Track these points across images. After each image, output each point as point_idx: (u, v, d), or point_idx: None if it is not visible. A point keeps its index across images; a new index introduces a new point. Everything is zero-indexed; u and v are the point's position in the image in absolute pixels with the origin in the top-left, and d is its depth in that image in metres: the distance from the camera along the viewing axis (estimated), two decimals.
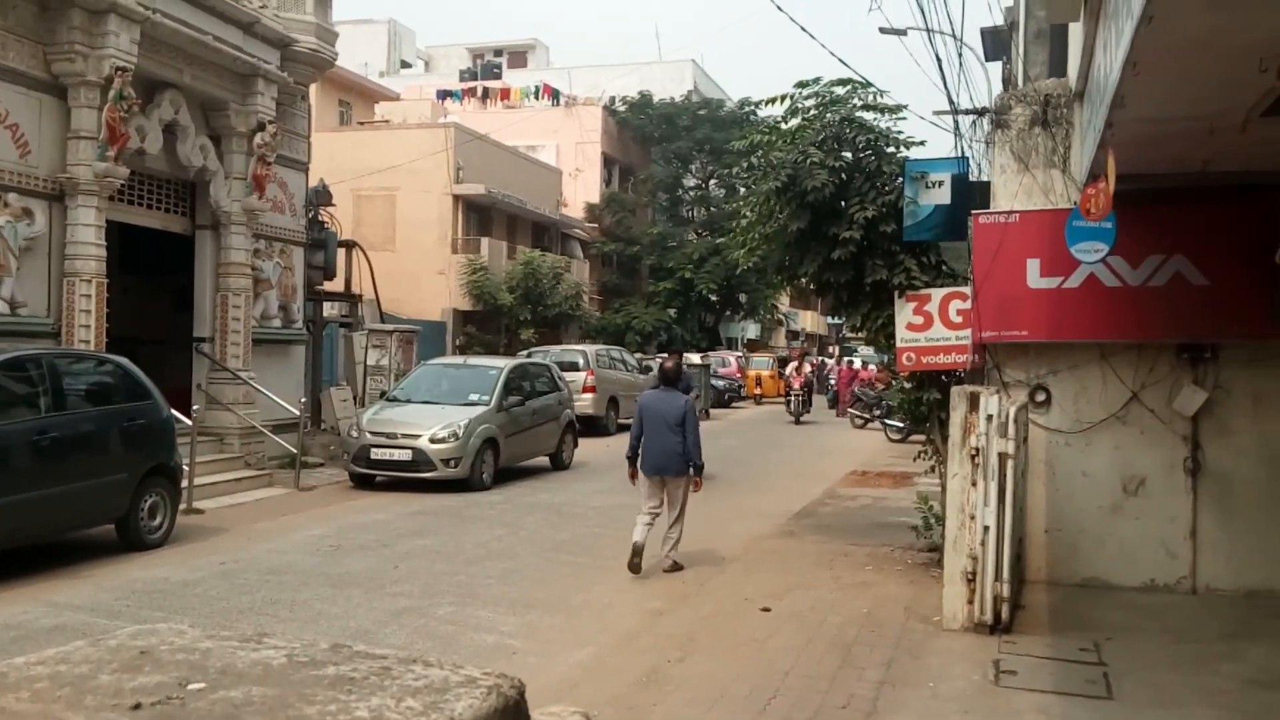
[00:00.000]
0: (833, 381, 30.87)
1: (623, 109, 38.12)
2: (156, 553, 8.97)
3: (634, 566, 8.27)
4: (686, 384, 10.46)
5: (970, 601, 6.57)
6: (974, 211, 8.23)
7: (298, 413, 13.64)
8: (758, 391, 32.27)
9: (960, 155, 8.75)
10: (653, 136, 38.38)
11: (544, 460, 15.21)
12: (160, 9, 12.01)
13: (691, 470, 8.52)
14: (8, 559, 8.01)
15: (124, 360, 9.65)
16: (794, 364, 27.67)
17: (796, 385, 25.47)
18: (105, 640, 1.59)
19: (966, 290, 8.35)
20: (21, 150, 10.95)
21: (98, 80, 11.31)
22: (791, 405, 25.57)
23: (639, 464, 8.65)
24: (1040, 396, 8.14)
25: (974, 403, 6.63)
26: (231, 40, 13.44)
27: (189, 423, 11.34)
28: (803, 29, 11.39)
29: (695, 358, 28.77)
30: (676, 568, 8.53)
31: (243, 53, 13.56)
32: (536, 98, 38.19)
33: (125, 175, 11.93)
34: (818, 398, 29.92)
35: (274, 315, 15.18)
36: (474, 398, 13.77)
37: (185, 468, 10.16)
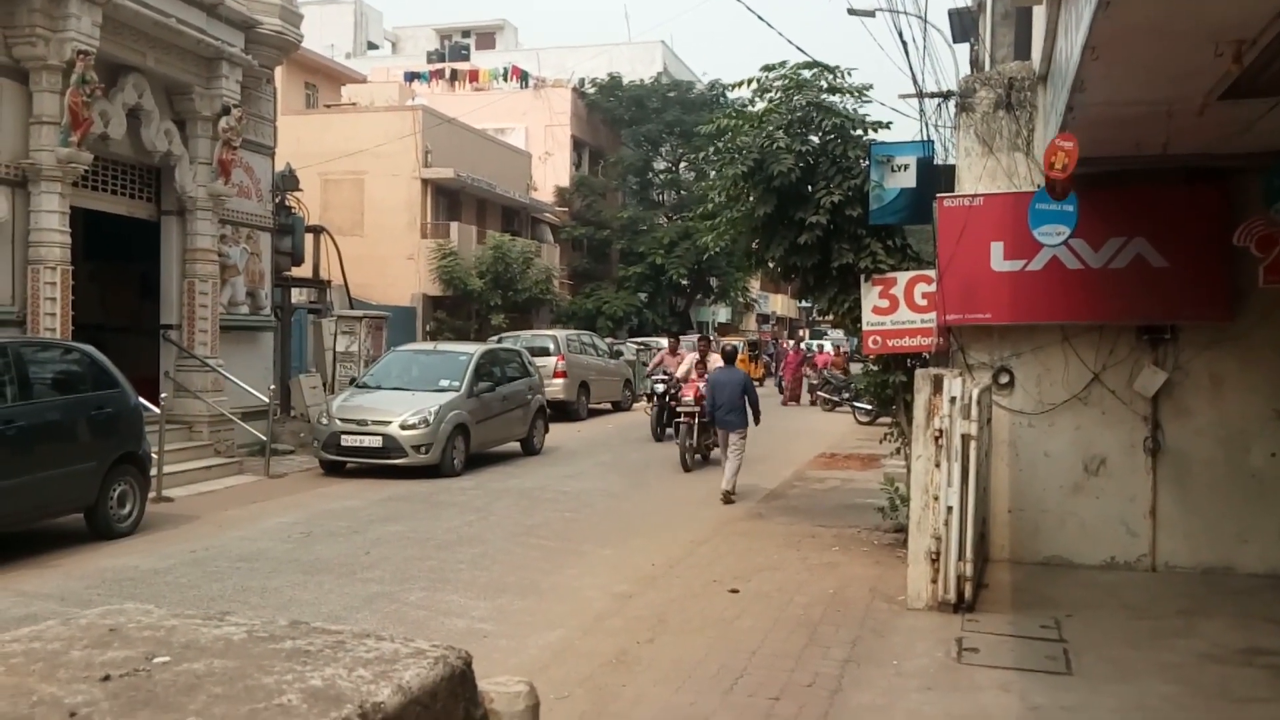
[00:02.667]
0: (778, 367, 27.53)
1: (592, 91, 37.96)
2: (126, 541, 8.92)
3: (727, 498, 11.11)
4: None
5: (934, 581, 6.68)
6: (939, 195, 8.32)
7: (267, 400, 13.55)
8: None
9: (925, 139, 8.84)
10: (622, 119, 38.26)
11: (515, 446, 15.23)
12: None
13: (752, 422, 11.69)
14: None
15: (90, 348, 9.56)
16: (689, 359, 15.24)
17: (690, 396, 13.72)
18: (76, 619, 1.67)
19: (931, 273, 8.44)
20: None
21: (59, 64, 11.15)
22: (681, 437, 13.71)
23: (712, 423, 12.20)
24: (1004, 378, 8.26)
25: (938, 385, 6.73)
26: (195, 23, 13.28)
27: (157, 411, 11.26)
28: (759, 17, 11.36)
29: (664, 342, 28.84)
30: (730, 499, 11.11)
31: (206, 35, 13.40)
32: (505, 80, 37.95)
33: (89, 161, 11.78)
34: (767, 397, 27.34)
35: (241, 302, 15.05)
36: (444, 384, 13.74)
37: (154, 456, 10.10)
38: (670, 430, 15.85)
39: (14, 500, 8.10)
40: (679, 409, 13.92)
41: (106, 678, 1.39)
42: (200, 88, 13.50)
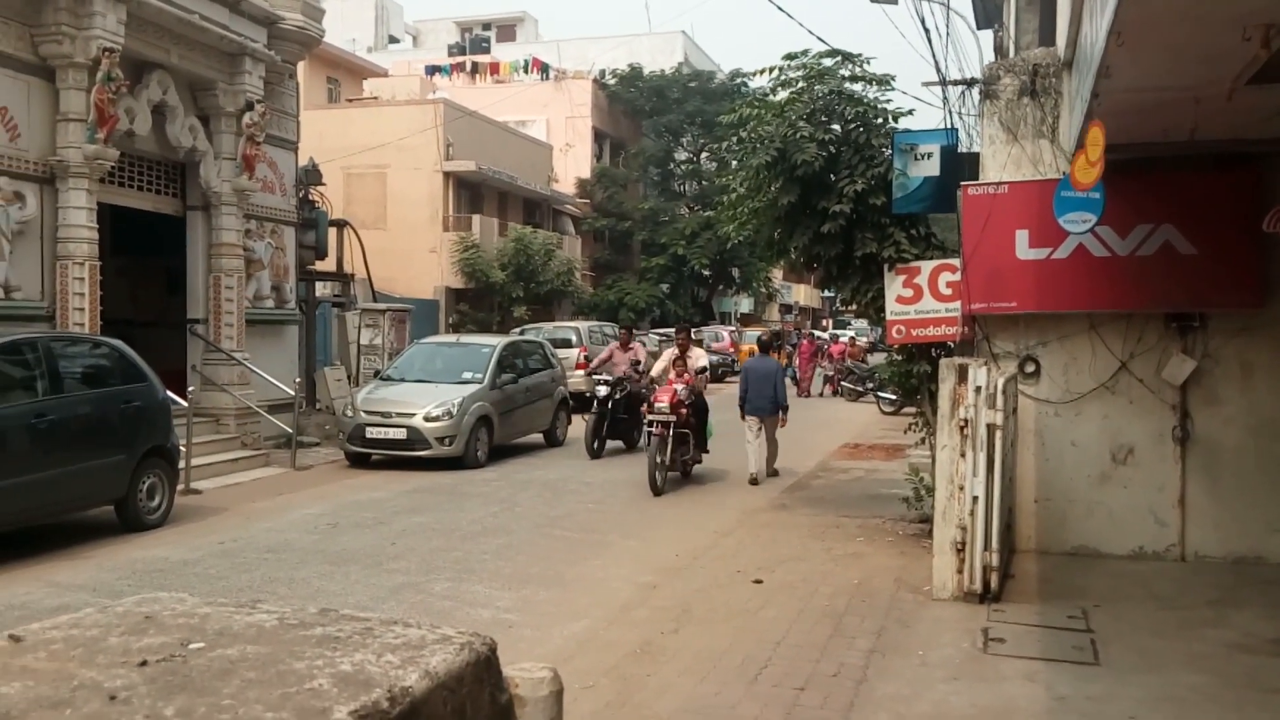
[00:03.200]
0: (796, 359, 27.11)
1: (613, 82, 37.92)
2: (155, 533, 9.03)
3: (753, 481, 11.75)
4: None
5: (960, 571, 6.65)
6: (963, 183, 8.26)
7: (292, 393, 13.66)
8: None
9: (949, 127, 8.77)
10: (643, 110, 38.21)
11: (538, 438, 15.28)
12: None
13: (781, 412, 12.07)
14: (10, 541, 8.07)
15: (119, 343, 9.67)
16: (666, 355, 12.68)
17: (665, 401, 11.19)
18: (113, 607, 1.72)
19: (956, 262, 8.39)
20: (11, 134, 10.91)
21: (85, 62, 11.26)
22: (652, 451, 11.10)
23: (744, 409, 12.09)
24: (1030, 367, 8.20)
25: (962, 374, 6.69)
26: (218, 19, 13.36)
27: (185, 404, 11.38)
28: (779, 8, 11.30)
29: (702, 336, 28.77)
30: (775, 474, 12.22)
31: (229, 31, 13.48)
32: (526, 72, 37.96)
33: (115, 157, 11.90)
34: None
35: (267, 295, 15.17)
36: (467, 376, 13.80)
37: (182, 449, 10.21)
38: (616, 443, 14.22)
39: (46, 493, 8.22)
40: (652, 416, 11.25)
41: (144, 663, 1.43)
42: (224, 84, 13.59)
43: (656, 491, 10.87)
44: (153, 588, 7.10)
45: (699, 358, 12.34)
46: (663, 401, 11.31)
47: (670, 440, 11.18)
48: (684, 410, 11.32)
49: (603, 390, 13.86)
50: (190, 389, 12.27)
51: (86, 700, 1.31)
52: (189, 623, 1.62)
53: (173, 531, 9.14)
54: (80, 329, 11.17)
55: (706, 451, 12.21)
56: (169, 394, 10.03)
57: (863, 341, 32.63)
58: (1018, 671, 5.41)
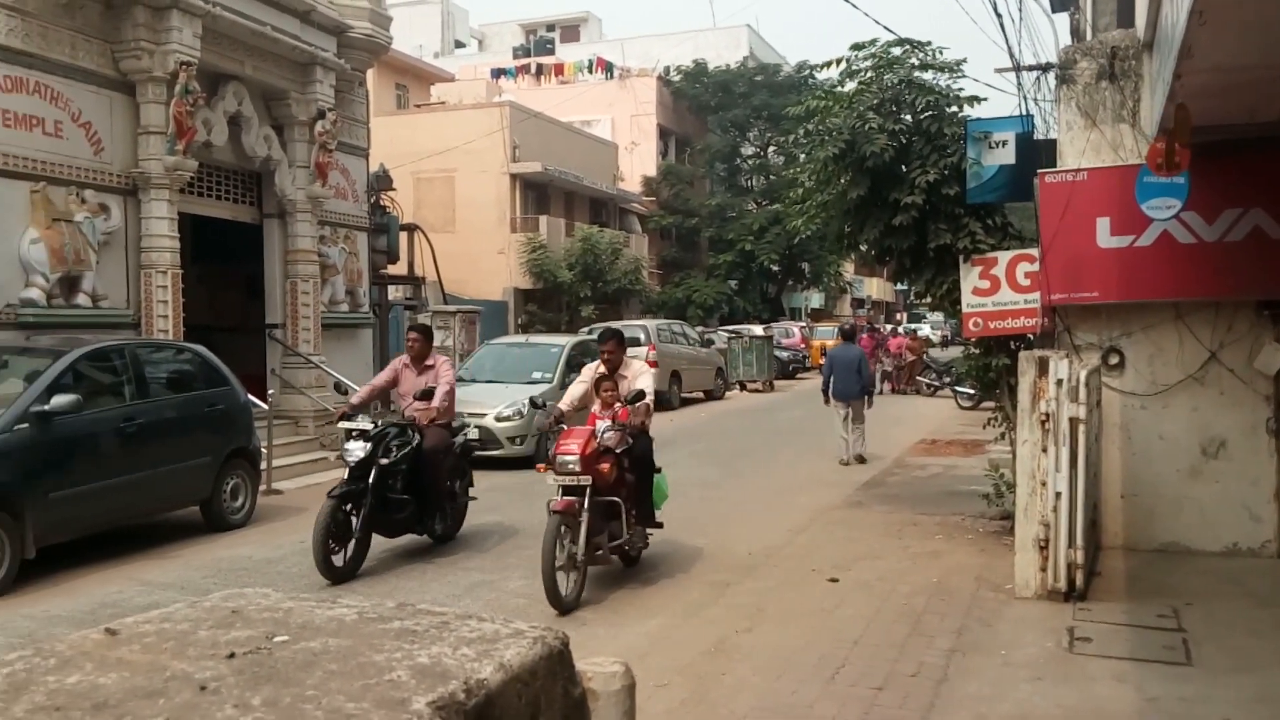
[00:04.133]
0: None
1: (677, 79, 37.86)
2: (239, 532, 9.27)
3: (844, 463, 12.83)
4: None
5: (1043, 569, 6.48)
6: (1040, 171, 8.04)
7: None
8: (822, 362, 31.80)
9: (1024, 113, 8.54)
10: (709, 105, 38.06)
11: None
12: (220, 2, 12.23)
13: (866, 395, 13.35)
14: (102, 541, 8.36)
15: (202, 348, 9.95)
16: (587, 371, 7.87)
17: (572, 451, 6.91)
18: (201, 602, 1.81)
19: (1034, 252, 8.18)
20: (95, 148, 11.29)
21: (163, 75, 11.59)
22: (548, 535, 6.56)
23: (830, 394, 13.21)
24: (1114, 359, 7.95)
25: (1043, 367, 6.51)
26: (289, 29, 13.65)
27: (265, 407, 11.66)
28: None
29: (757, 329, 28.58)
30: (861, 460, 12.94)
31: (300, 41, 13.77)
32: (590, 72, 38.12)
33: (194, 168, 12.23)
34: None
35: (341, 300, 15.47)
36: (537, 376, 13.92)
37: (263, 450, 10.46)
38: (348, 554, 7.65)
39: (136, 494, 8.49)
40: (553, 478, 6.93)
41: (232, 655, 1.49)
42: (296, 93, 13.89)
43: (561, 606, 6.53)
44: (237, 584, 7.27)
45: (638, 375, 7.52)
46: (568, 451, 6.84)
47: (586, 517, 6.79)
48: (606, 466, 6.96)
49: (356, 451, 7.70)
50: (270, 392, 12.55)
51: (179, 691, 1.36)
52: (273, 617, 1.68)
53: (256, 530, 9.37)
54: (164, 335, 11.52)
55: (657, 525, 7.74)
56: (250, 397, 10.29)
57: (928, 334, 31.93)
58: (1106, 672, 5.24)
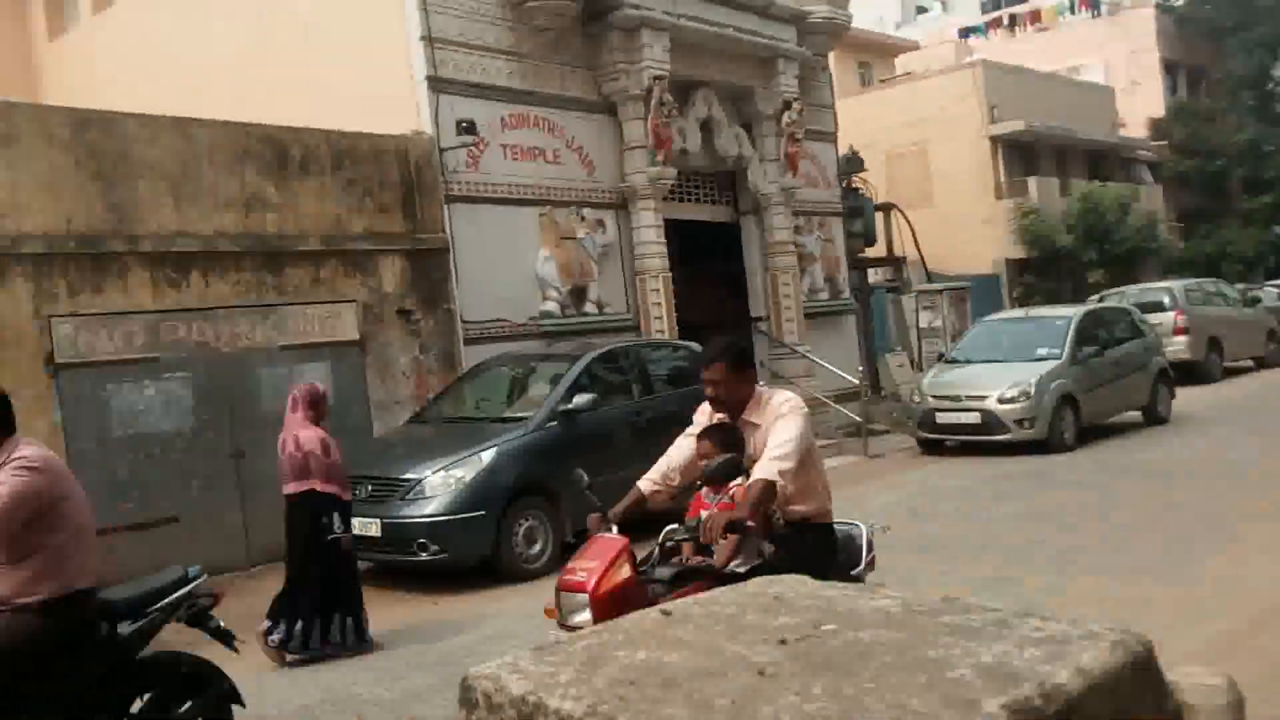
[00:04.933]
0: None
1: (1180, 3, 32.88)
2: None
3: None
4: None
5: None
6: None
7: (856, 381, 13.58)
8: None
9: None
10: (1225, 28, 32.48)
11: (1134, 415, 13.36)
12: (682, 12, 12.61)
13: None
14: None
15: (695, 345, 10.23)
16: (700, 418, 4.59)
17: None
18: (743, 588, 1.87)
19: None
20: (588, 169, 12.21)
21: (639, 92, 12.22)
22: None
23: None
24: None
25: None
26: (749, 27, 13.74)
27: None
28: None
29: None
30: None
31: (761, 37, 13.80)
32: (1072, 12, 34.39)
33: (674, 175, 12.77)
34: None
35: (821, 288, 15.36)
36: (1042, 352, 12.54)
37: None
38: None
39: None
40: (557, 632, 3.48)
41: (783, 641, 1.51)
42: (760, 88, 13.96)
43: None
44: None
45: (777, 419, 4.15)
46: (574, 583, 3.71)
47: None
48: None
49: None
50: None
51: (738, 673, 1.39)
52: (815, 604, 1.71)
53: None
54: (661, 335, 12.14)
55: None
56: None
57: None
58: None
